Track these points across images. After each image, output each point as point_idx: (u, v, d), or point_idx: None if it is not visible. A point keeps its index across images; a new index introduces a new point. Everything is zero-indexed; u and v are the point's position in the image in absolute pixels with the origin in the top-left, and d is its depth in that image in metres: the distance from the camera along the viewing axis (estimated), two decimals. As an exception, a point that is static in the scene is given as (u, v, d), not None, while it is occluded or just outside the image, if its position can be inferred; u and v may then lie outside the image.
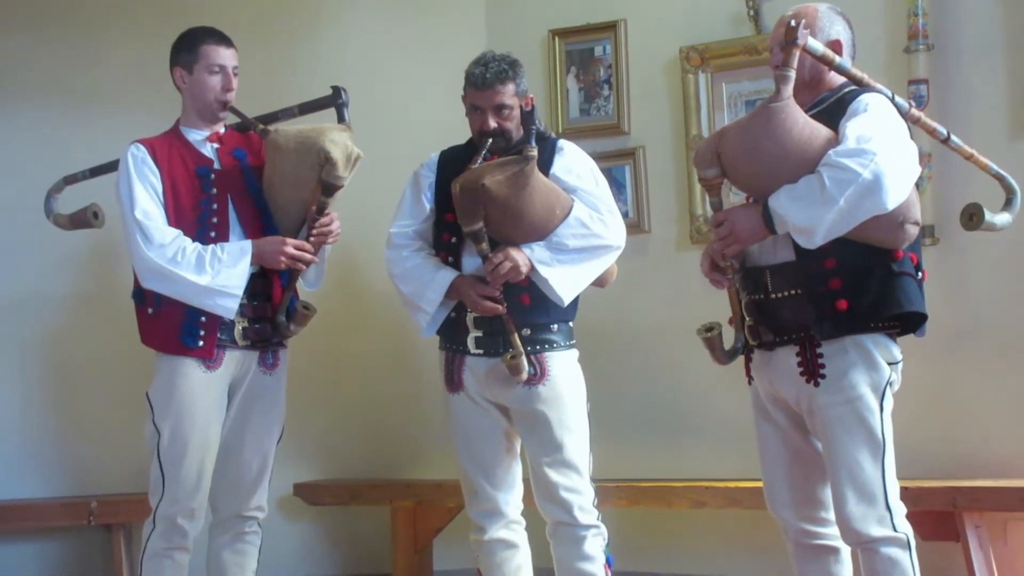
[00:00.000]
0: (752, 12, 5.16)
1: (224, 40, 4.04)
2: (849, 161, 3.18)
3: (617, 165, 5.41)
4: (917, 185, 3.36)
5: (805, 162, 3.26)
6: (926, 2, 4.78)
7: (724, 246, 3.43)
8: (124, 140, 4.05)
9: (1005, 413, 4.68)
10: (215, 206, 3.96)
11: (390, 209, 4.22)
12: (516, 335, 3.95)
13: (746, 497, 4.70)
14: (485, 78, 4.01)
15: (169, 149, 3.99)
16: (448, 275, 4.02)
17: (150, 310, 3.94)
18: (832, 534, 3.49)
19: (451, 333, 4.10)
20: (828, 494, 3.43)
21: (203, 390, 3.91)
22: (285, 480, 5.37)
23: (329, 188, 3.94)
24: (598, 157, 4.40)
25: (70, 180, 4.57)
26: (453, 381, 4.10)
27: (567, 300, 4.00)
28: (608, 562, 4.05)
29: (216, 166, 4.02)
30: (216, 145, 4.06)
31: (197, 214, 3.94)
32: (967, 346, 4.76)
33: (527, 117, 3.96)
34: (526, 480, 4.14)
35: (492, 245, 3.92)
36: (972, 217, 3.49)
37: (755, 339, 3.50)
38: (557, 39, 5.62)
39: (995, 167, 3.63)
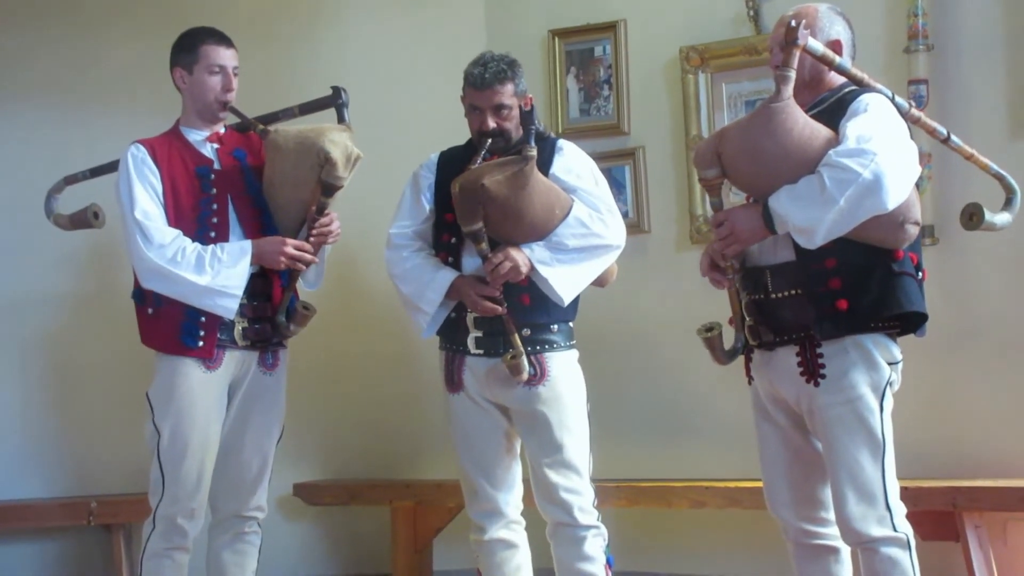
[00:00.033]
0: (752, 12, 5.15)
1: (224, 40, 4.04)
2: (849, 161, 3.18)
3: (617, 165, 5.41)
4: (917, 185, 3.36)
5: (805, 162, 3.26)
6: (926, 2, 4.78)
7: (724, 246, 3.42)
8: (124, 140, 4.05)
9: (1005, 413, 4.68)
10: (215, 206, 3.96)
11: (390, 209, 4.22)
12: (516, 335, 3.95)
13: (746, 497, 4.70)
14: (484, 78, 4.01)
15: (169, 149, 3.99)
16: (448, 275, 4.01)
17: (150, 310, 3.94)
18: (832, 534, 3.48)
19: (451, 333, 4.10)
20: (828, 494, 3.42)
21: (203, 390, 3.91)
22: (285, 480, 5.37)
23: (329, 188, 3.93)
24: (598, 157, 4.39)
25: (70, 180, 4.57)
26: (453, 381, 4.09)
27: (567, 300, 4.00)
28: (608, 562, 4.04)
29: (216, 166, 4.02)
30: (216, 145, 4.06)
31: (197, 214, 3.93)
32: (967, 346, 4.75)
33: (526, 117, 3.96)
34: (526, 480, 4.13)
35: (492, 245, 3.91)
36: (972, 217, 3.49)
37: (755, 339, 3.50)
38: (557, 39, 5.61)
39: (995, 167, 3.63)
